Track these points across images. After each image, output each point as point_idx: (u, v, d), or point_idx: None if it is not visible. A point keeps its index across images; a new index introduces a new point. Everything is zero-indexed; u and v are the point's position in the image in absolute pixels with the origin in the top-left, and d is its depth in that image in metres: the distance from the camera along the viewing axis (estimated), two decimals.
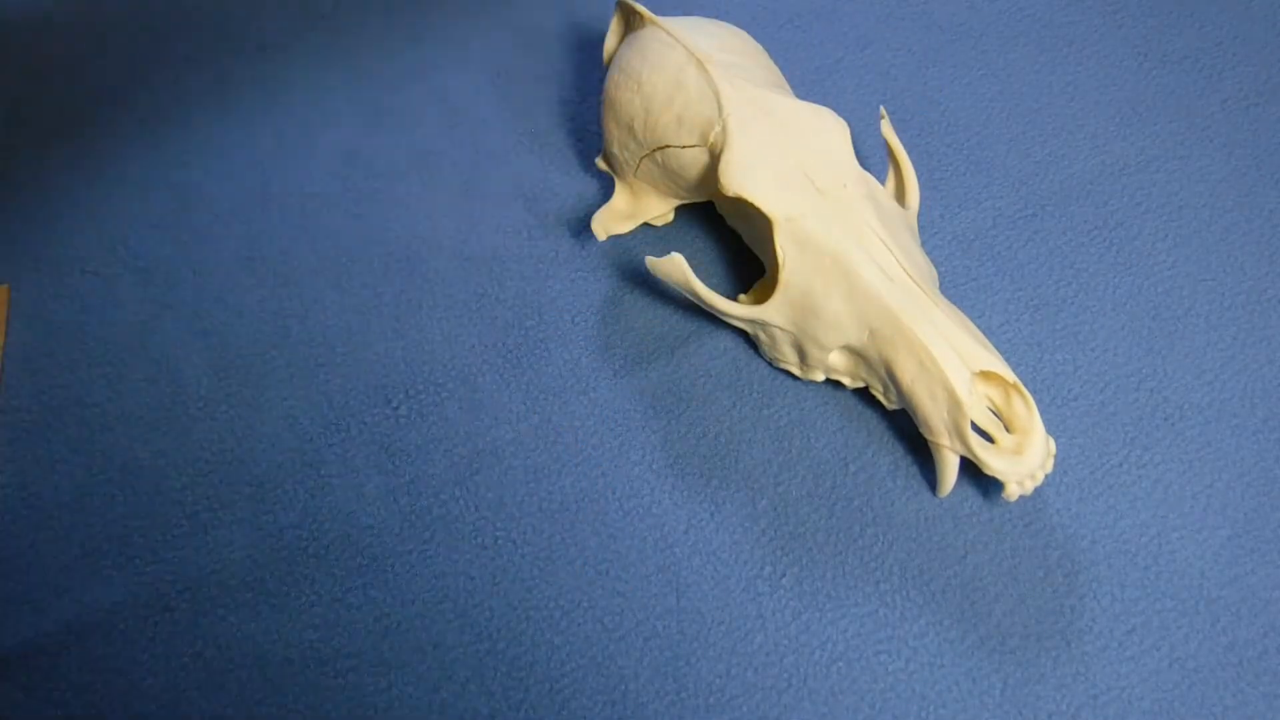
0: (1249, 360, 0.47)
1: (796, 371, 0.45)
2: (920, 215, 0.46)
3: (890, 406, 0.44)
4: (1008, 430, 0.41)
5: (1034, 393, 0.40)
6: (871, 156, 0.50)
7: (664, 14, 0.45)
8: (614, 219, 0.48)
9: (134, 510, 0.45)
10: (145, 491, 0.45)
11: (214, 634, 0.43)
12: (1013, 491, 0.40)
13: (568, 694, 0.41)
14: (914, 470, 0.45)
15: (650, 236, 0.50)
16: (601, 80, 0.46)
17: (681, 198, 0.48)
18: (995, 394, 0.41)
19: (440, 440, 0.45)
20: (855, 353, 0.42)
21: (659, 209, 0.48)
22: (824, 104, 0.43)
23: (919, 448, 0.44)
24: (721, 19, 0.47)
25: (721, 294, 0.43)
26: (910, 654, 0.42)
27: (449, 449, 0.45)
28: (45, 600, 0.43)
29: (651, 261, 0.43)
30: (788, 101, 0.43)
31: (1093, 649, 0.41)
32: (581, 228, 0.50)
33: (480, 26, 0.55)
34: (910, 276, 0.41)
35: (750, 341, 0.47)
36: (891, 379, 0.41)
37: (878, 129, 0.46)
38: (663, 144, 0.44)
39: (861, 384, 0.44)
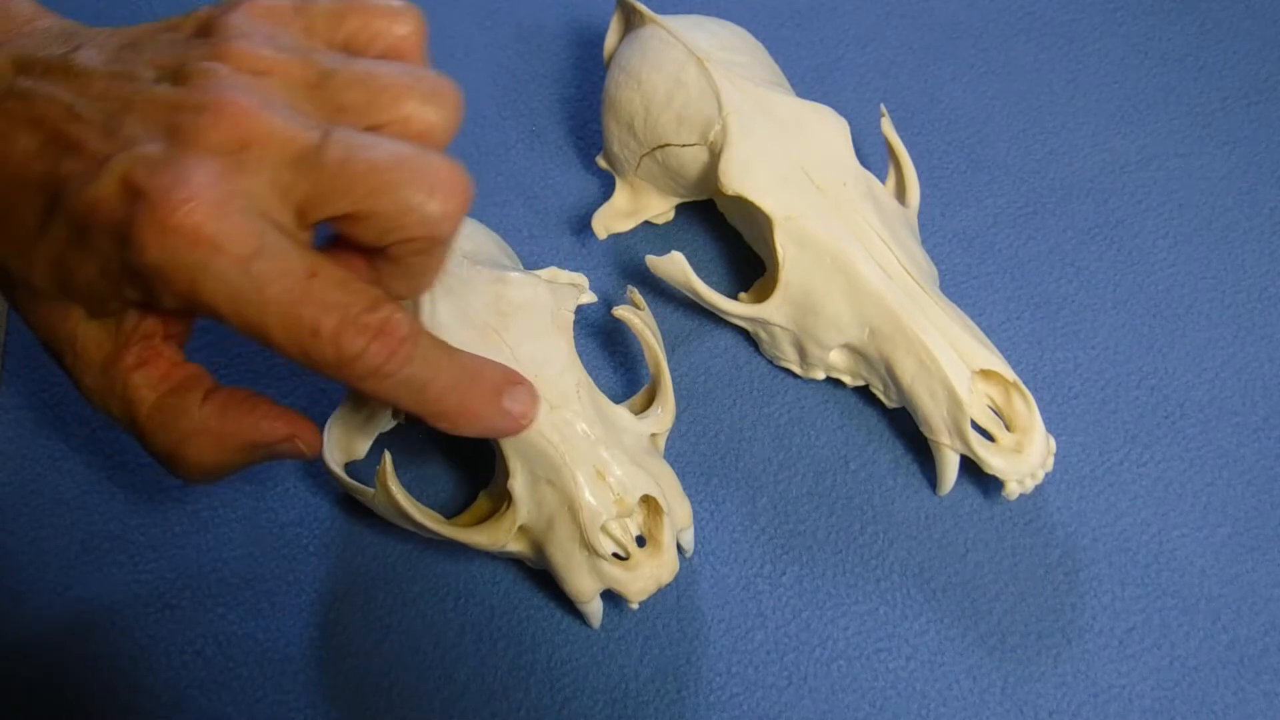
0: (1250, 358, 0.47)
1: (797, 369, 0.45)
2: (920, 213, 0.46)
3: (890, 405, 0.44)
4: (1008, 429, 0.41)
5: (1034, 391, 0.40)
6: (872, 155, 0.50)
7: (665, 12, 0.45)
8: (614, 217, 0.48)
9: (134, 508, 0.45)
10: (146, 489, 0.45)
11: (215, 631, 0.43)
12: (1013, 490, 0.40)
13: (568, 694, 0.41)
14: (914, 468, 0.45)
15: (651, 235, 0.50)
16: (602, 78, 0.46)
17: (682, 196, 0.48)
18: (995, 392, 0.41)
19: (441, 438, 0.45)
20: (855, 351, 0.42)
21: (659, 207, 0.48)
22: (824, 102, 0.43)
23: (919, 446, 0.44)
24: (722, 17, 0.47)
25: (721, 292, 0.43)
26: (911, 652, 0.42)
27: (450, 447, 0.45)
28: (45, 598, 0.43)
29: (652, 260, 0.43)
30: (787, 100, 0.43)
31: (1093, 646, 0.41)
32: (582, 226, 0.50)
33: (480, 24, 0.55)
34: (910, 275, 0.41)
35: (750, 339, 0.47)
36: (891, 377, 0.41)
37: (878, 127, 0.46)
38: (662, 142, 0.44)
39: (862, 382, 0.44)
